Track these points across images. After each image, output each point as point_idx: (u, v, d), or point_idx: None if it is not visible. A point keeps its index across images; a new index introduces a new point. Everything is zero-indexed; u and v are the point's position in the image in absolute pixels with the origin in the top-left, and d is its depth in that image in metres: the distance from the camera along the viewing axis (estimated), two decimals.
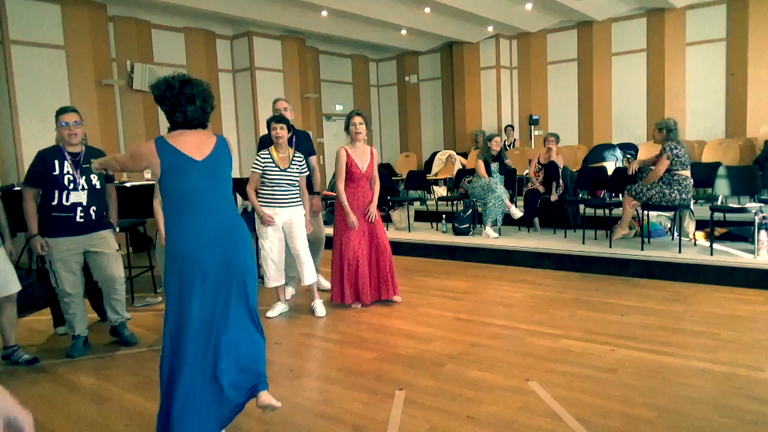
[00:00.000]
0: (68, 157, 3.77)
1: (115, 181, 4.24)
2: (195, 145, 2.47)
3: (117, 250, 3.98)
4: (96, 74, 7.92)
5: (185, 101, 2.43)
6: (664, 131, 5.61)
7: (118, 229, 4.16)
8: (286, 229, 4.56)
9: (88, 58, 7.81)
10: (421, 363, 3.50)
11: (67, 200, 3.73)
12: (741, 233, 5.96)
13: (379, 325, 4.35)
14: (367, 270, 4.77)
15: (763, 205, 5.64)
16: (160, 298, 5.38)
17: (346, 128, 4.76)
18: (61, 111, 3.77)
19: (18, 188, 4.55)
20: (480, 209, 7.23)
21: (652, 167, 5.69)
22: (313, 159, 5.17)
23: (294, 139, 5.00)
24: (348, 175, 4.72)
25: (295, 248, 4.57)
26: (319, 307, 4.65)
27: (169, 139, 2.45)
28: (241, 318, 2.54)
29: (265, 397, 2.62)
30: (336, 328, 4.35)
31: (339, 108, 12.68)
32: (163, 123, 10.12)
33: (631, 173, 5.97)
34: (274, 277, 4.62)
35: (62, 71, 7.60)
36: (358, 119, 4.68)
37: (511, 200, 7.23)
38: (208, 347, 2.42)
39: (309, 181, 5.03)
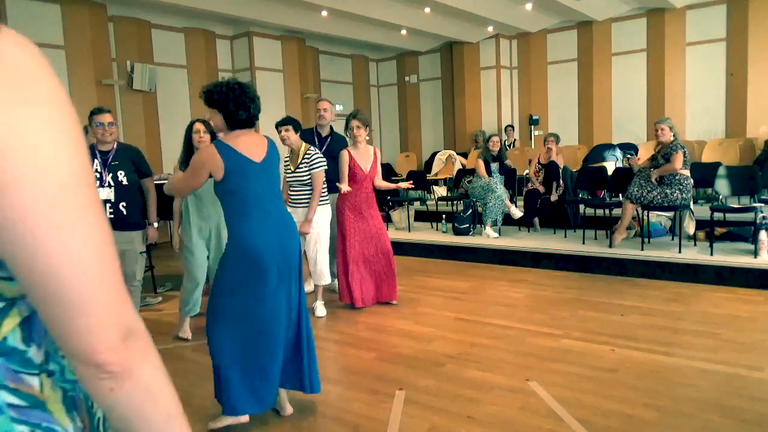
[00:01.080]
0: (98, 155, 3.89)
1: (154, 176, 4.35)
2: (252, 146, 2.64)
3: (141, 253, 4.06)
4: (96, 74, 7.92)
5: (248, 100, 2.60)
6: (674, 129, 5.63)
7: (156, 224, 4.21)
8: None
9: (88, 58, 7.81)
10: (421, 363, 3.50)
11: None
12: (741, 233, 5.96)
13: (379, 325, 4.35)
14: (370, 271, 4.78)
15: (763, 205, 5.64)
16: (160, 299, 5.39)
17: (345, 131, 4.77)
18: (96, 111, 3.90)
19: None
20: (480, 209, 7.22)
21: (651, 168, 5.70)
22: (323, 160, 5.19)
23: (329, 140, 5.05)
24: (350, 176, 4.73)
25: (307, 250, 4.56)
26: (319, 308, 4.65)
27: (228, 142, 2.60)
28: (298, 316, 2.78)
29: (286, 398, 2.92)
30: (336, 328, 4.35)
31: (339, 108, 12.65)
32: (164, 123, 10.07)
33: (638, 169, 5.94)
34: None
35: (62, 71, 7.60)
36: (354, 122, 4.68)
37: (511, 200, 7.23)
38: (281, 329, 2.68)
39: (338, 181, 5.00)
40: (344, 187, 4.64)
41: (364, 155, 4.75)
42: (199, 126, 4.07)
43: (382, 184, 4.89)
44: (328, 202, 4.61)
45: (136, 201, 4.04)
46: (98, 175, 3.85)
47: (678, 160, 5.50)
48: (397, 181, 10.26)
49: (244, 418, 2.70)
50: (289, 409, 2.88)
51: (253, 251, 2.58)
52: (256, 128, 2.83)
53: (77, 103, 6.03)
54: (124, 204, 3.92)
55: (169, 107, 8.92)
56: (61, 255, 0.54)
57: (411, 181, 5.41)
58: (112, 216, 3.86)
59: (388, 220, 8.11)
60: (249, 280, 2.60)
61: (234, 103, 2.59)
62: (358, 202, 4.74)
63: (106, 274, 0.57)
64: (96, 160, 3.87)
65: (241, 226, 2.61)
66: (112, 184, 3.90)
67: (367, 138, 4.79)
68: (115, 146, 3.97)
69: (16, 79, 0.52)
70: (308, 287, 4.78)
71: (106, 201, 3.85)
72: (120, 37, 8.52)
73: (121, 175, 3.94)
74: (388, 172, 10.58)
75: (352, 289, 4.74)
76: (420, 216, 8.83)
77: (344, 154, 4.73)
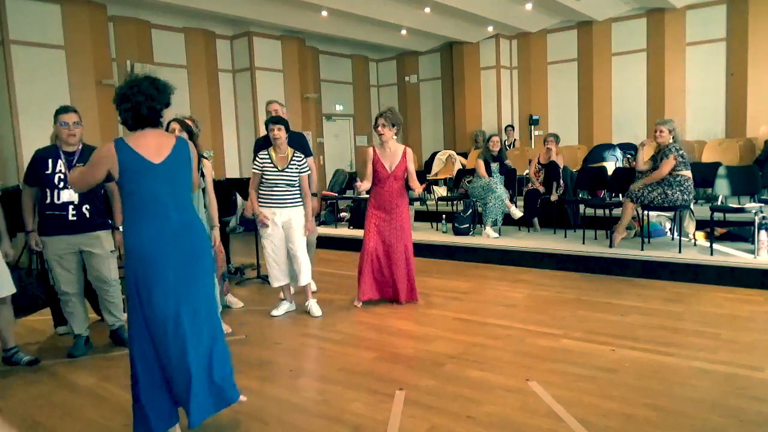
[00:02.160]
0: (63, 156, 3.78)
1: None
2: (153, 146, 2.47)
3: (111, 251, 3.96)
4: (96, 74, 7.92)
5: (136, 100, 2.45)
6: (674, 132, 5.61)
7: (121, 228, 4.15)
8: (285, 230, 4.57)
9: (88, 58, 7.81)
10: (421, 363, 3.50)
11: (58, 199, 3.74)
12: (741, 233, 5.96)
13: (379, 325, 4.35)
14: (386, 270, 4.79)
15: (763, 205, 5.64)
16: None
17: (374, 129, 4.79)
18: (62, 110, 3.77)
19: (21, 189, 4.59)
20: (480, 209, 7.22)
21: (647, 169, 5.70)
22: (309, 160, 5.17)
23: (289, 140, 5.01)
24: (374, 175, 4.71)
25: (291, 248, 4.57)
26: (314, 307, 4.66)
27: (128, 140, 2.46)
28: (204, 319, 2.53)
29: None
30: (336, 328, 4.35)
31: (339, 108, 12.68)
32: (164, 123, 10.05)
33: (641, 168, 5.92)
34: (277, 276, 4.64)
35: (62, 71, 7.60)
36: (380, 121, 4.67)
37: (511, 200, 7.23)
38: (173, 346, 2.43)
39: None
40: (364, 185, 4.66)
41: (391, 154, 4.71)
42: (174, 125, 4.06)
43: (415, 184, 4.80)
44: (302, 203, 4.62)
45: (100, 203, 3.93)
46: (62, 176, 3.73)
47: (665, 166, 5.49)
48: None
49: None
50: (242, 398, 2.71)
51: (146, 257, 2.41)
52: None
53: (77, 103, 6.06)
54: (88, 206, 3.81)
55: (169, 107, 8.91)
56: None
57: (422, 186, 5.21)
58: (75, 218, 3.75)
59: None
60: (143, 286, 2.42)
61: (122, 101, 2.46)
62: (382, 201, 4.73)
63: None
64: (60, 161, 3.75)
65: (134, 229, 2.43)
66: None
67: (396, 138, 4.74)
68: (80, 147, 3.84)
69: None
70: (287, 306, 4.80)
71: (68, 203, 3.74)
72: (120, 37, 8.53)
73: None
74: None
75: (360, 284, 4.77)
76: (420, 216, 8.83)
77: (368, 152, 4.74)
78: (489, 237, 6.88)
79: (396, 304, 4.83)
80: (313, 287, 5.09)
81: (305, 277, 4.64)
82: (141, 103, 2.46)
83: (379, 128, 4.67)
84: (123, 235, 2.51)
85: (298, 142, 5.09)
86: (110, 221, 4.01)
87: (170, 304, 2.42)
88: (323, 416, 2.86)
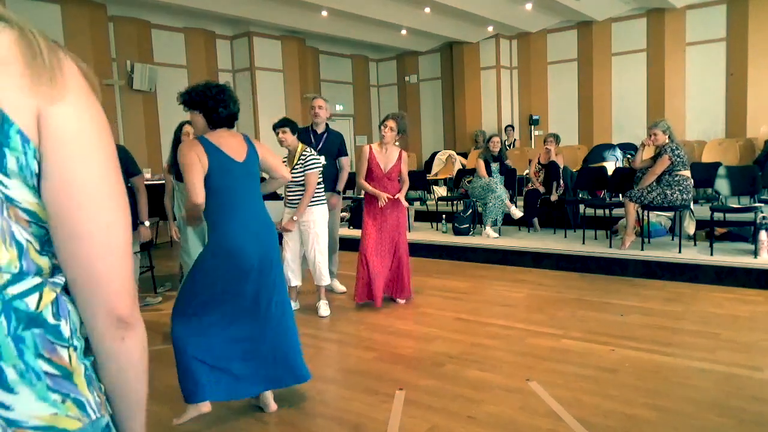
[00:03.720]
0: None
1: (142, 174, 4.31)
2: (234, 146, 2.66)
3: (135, 253, 3.97)
4: (96, 74, 7.87)
5: (227, 98, 2.64)
6: (669, 131, 5.60)
7: (147, 224, 4.17)
8: (302, 230, 4.55)
9: (88, 58, 7.80)
10: (421, 363, 3.50)
11: None
12: (741, 233, 5.95)
13: (379, 325, 4.35)
14: (383, 270, 4.77)
15: (763, 205, 5.64)
16: (160, 299, 5.38)
17: (379, 126, 4.83)
18: None
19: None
20: (480, 209, 7.22)
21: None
22: (344, 160, 5.22)
23: (325, 138, 5.06)
24: (368, 173, 4.75)
25: (306, 249, 4.57)
26: (323, 308, 4.65)
27: (210, 139, 2.62)
28: (279, 310, 2.76)
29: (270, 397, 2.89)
30: (336, 328, 4.35)
31: (339, 108, 12.68)
32: (164, 123, 10.07)
33: (638, 167, 5.92)
34: (288, 277, 4.61)
35: None
36: (390, 123, 4.71)
37: (511, 200, 7.23)
38: (261, 325, 2.71)
39: (336, 178, 5.15)
40: (364, 184, 4.69)
41: (388, 155, 4.76)
42: (188, 128, 4.05)
43: (403, 186, 4.83)
44: (324, 201, 4.60)
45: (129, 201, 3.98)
46: None
47: (659, 165, 5.50)
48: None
49: (206, 407, 2.65)
50: (273, 406, 2.86)
51: (237, 251, 2.60)
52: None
53: None
54: None
55: (169, 107, 8.87)
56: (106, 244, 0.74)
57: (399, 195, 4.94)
58: None
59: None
60: (229, 278, 2.61)
61: (213, 101, 2.62)
62: (374, 200, 4.75)
63: (129, 257, 0.76)
64: None
65: (223, 225, 2.62)
66: None
67: (397, 143, 4.83)
68: None
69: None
70: (293, 306, 4.76)
71: None
72: (120, 37, 8.53)
73: None
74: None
75: (359, 287, 4.77)
76: (420, 216, 8.83)
77: (364, 149, 4.77)
78: (489, 237, 6.88)
79: (393, 302, 4.83)
80: (341, 288, 5.11)
81: (318, 278, 4.60)
82: (236, 102, 2.71)
83: (387, 129, 4.68)
84: (209, 230, 2.67)
85: (335, 142, 5.11)
86: (136, 219, 4.01)
87: (254, 291, 2.65)
88: (323, 416, 2.86)
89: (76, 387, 0.72)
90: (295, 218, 4.39)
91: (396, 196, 4.73)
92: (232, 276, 2.61)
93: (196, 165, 2.56)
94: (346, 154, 5.29)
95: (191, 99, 2.64)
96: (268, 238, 2.74)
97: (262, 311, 2.70)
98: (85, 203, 0.71)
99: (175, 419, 2.67)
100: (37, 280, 0.70)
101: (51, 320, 0.70)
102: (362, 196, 5.01)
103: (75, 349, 0.73)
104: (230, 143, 2.66)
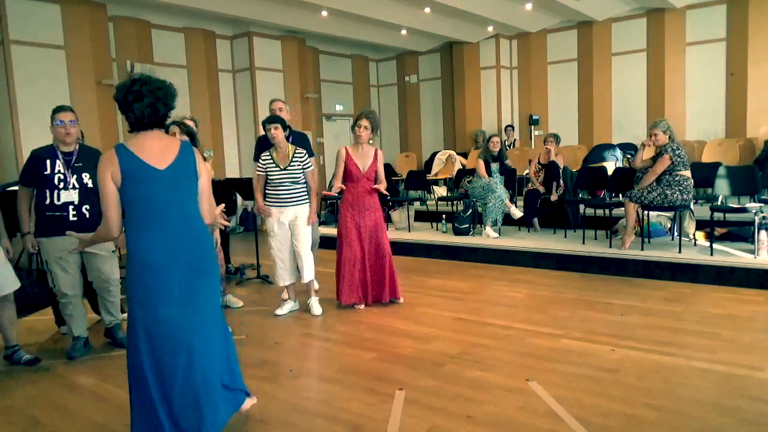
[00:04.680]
0: (60, 156, 3.77)
1: None
2: (157, 151, 2.36)
3: (113, 251, 3.96)
4: (96, 74, 7.92)
5: (132, 99, 2.32)
6: (669, 131, 5.60)
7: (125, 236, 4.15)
8: (291, 227, 4.58)
9: (88, 58, 7.81)
10: (421, 363, 3.50)
11: (58, 199, 3.73)
12: (741, 233, 5.95)
13: (379, 325, 4.35)
14: (367, 271, 4.76)
15: (763, 205, 5.64)
16: None
17: (352, 127, 4.77)
18: (57, 110, 3.77)
19: (15, 188, 4.60)
20: (480, 209, 7.22)
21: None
22: (310, 160, 5.17)
23: (290, 140, 5.01)
24: (346, 175, 4.72)
25: (296, 245, 4.60)
26: (315, 306, 4.67)
27: (129, 145, 2.35)
28: (211, 325, 2.48)
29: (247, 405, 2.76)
30: (336, 328, 4.35)
31: (339, 108, 12.67)
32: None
33: (638, 166, 5.92)
34: (283, 276, 4.65)
35: (62, 71, 7.60)
36: (363, 122, 4.66)
37: (511, 200, 7.23)
38: (181, 357, 2.35)
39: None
40: (336, 185, 4.68)
41: (364, 155, 4.72)
42: (174, 129, 4.05)
43: (380, 185, 4.78)
44: (307, 201, 4.63)
45: (99, 203, 3.93)
46: (62, 177, 3.72)
47: (659, 165, 5.50)
48: (397, 181, 10.30)
49: None
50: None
51: (152, 267, 2.32)
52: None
53: (77, 103, 6.06)
54: (87, 207, 3.78)
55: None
56: None
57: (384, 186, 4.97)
58: (75, 219, 3.72)
59: (388, 220, 8.11)
60: (150, 297, 2.33)
61: (125, 101, 2.33)
62: (355, 201, 4.73)
63: None
64: (58, 161, 3.74)
65: (139, 239, 2.33)
66: (76, 186, 3.75)
67: (371, 141, 4.77)
68: (77, 147, 3.83)
69: None
70: (291, 305, 4.79)
71: (69, 203, 3.72)
72: (120, 37, 8.52)
73: (86, 178, 3.79)
74: (389, 172, 10.58)
75: (340, 288, 4.75)
76: (420, 216, 8.83)
77: (341, 152, 4.73)
78: (489, 237, 6.88)
79: (394, 305, 4.83)
80: (316, 286, 5.10)
81: (308, 274, 4.66)
82: (159, 99, 2.35)
83: (362, 128, 4.65)
84: (126, 244, 2.39)
85: (300, 143, 5.10)
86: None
87: (176, 314, 2.34)
88: (323, 416, 2.86)
89: None
90: (315, 211, 4.57)
91: (375, 187, 4.68)
92: (153, 295, 2.33)
93: (110, 191, 2.30)
94: (313, 155, 5.32)
95: (114, 96, 2.36)
96: (196, 254, 2.40)
97: (191, 332, 2.37)
98: None
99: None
100: None
101: None
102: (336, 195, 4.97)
103: None
104: (153, 148, 2.35)
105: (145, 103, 2.33)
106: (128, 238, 2.37)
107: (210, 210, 2.58)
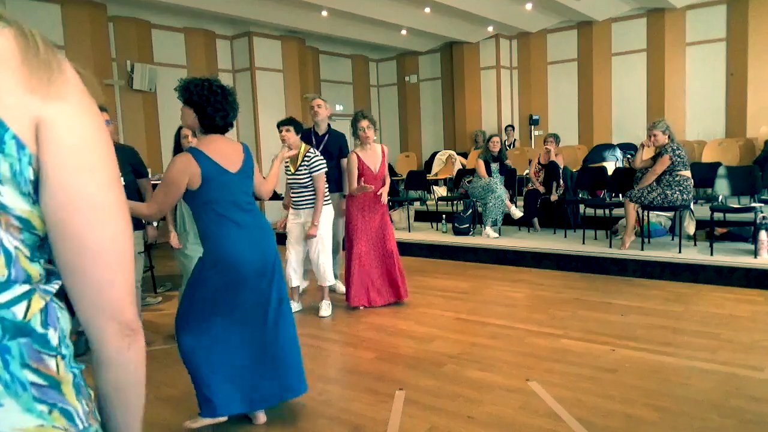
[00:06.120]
0: None
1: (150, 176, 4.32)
2: (228, 155, 2.57)
3: (140, 253, 3.97)
4: (96, 74, 7.81)
5: (228, 106, 2.53)
6: (668, 131, 5.60)
7: (155, 224, 4.18)
8: (304, 232, 4.56)
9: (88, 58, 7.80)
10: (421, 363, 3.50)
11: None
12: (741, 233, 5.95)
13: (379, 325, 4.35)
14: (376, 272, 4.75)
15: (763, 205, 5.64)
16: (160, 299, 5.39)
17: (354, 132, 4.70)
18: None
19: None
20: (480, 209, 7.22)
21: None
22: (344, 161, 5.09)
23: (327, 139, 5.04)
24: (362, 179, 4.65)
25: (309, 249, 4.57)
26: (324, 308, 4.64)
27: (203, 149, 2.51)
28: (285, 309, 2.74)
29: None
30: (336, 328, 4.35)
31: (339, 108, 12.67)
32: (164, 123, 10.07)
33: (638, 166, 5.92)
34: (291, 277, 4.62)
35: None
36: (365, 123, 4.63)
37: (511, 200, 7.23)
38: (268, 336, 2.67)
39: (338, 179, 5.11)
40: (359, 185, 4.58)
41: (373, 155, 4.69)
42: (187, 131, 4.05)
43: (386, 182, 4.78)
44: (329, 202, 4.60)
45: (135, 201, 3.98)
46: None
47: (659, 165, 5.50)
48: (397, 181, 10.29)
49: (222, 418, 2.65)
50: (261, 418, 2.79)
51: (234, 262, 2.55)
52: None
53: None
54: None
55: (169, 107, 8.91)
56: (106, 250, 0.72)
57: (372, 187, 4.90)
58: None
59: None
60: (228, 289, 2.57)
61: (213, 108, 2.50)
62: (366, 202, 4.69)
63: (132, 264, 0.76)
64: None
65: (219, 237, 2.55)
66: None
67: (374, 138, 4.76)
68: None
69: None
70: (295, 306, 4.75)
71: None
72: (120, 37, 8.52)
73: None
74: (389, 172, 10.57)
75: (349, 288, 4.73)
76: (420, 216, 8.83)
77: (352, 157, 4.64)
78: (489, 237, 6.88)
79: (393, 305, 4.82)
80: (342, 289, 5.07)
81: (322, 279, 4.61)
82: (236, 110, 2.58)
83: (367, 130, 4.62)
84: (203, 242, 2.60)
85: (336, 143, 5.09)
86: (142, 220, 4.01)
87: (254, 300, 2.61)
88: (323, 416, 2.86)
89: (64, 396, 0.70)
90: (316, 223, 4.42)
91: (379, 193, 4.66)
92: (230, 286, 2.56)
93: (181, 180, 2.46)
94: (346, 155, 5.27)
95: (190, 97, 2.51)
96: (266, 246, 2.67)
97: (265, 319, 2.66)
98: (92, 216, 0.69)
99: (189, 422, 2.65)
100: (26, 287, 0.67)
101: (39, 329, 0.68)
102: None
103: (63, 357, 0.71)
104: (224, 152, 2.56)
105: (227, 109, 2.54)
106: (205, 237, 2.58)
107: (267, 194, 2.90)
